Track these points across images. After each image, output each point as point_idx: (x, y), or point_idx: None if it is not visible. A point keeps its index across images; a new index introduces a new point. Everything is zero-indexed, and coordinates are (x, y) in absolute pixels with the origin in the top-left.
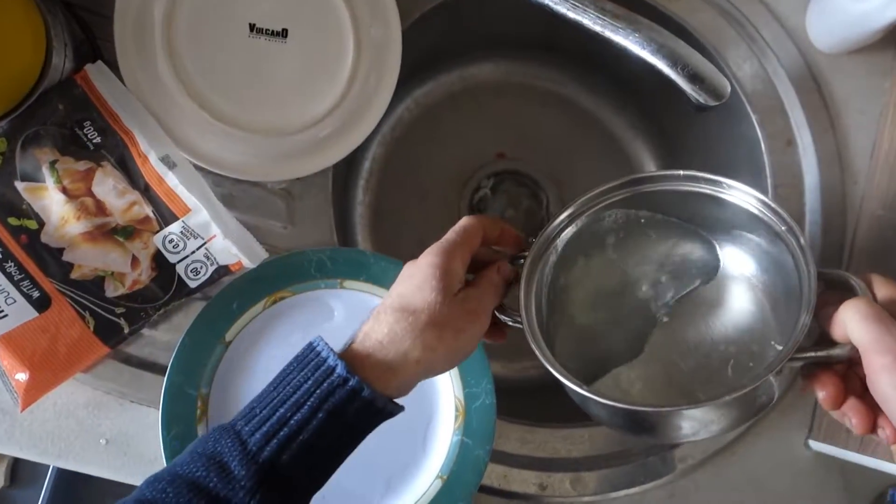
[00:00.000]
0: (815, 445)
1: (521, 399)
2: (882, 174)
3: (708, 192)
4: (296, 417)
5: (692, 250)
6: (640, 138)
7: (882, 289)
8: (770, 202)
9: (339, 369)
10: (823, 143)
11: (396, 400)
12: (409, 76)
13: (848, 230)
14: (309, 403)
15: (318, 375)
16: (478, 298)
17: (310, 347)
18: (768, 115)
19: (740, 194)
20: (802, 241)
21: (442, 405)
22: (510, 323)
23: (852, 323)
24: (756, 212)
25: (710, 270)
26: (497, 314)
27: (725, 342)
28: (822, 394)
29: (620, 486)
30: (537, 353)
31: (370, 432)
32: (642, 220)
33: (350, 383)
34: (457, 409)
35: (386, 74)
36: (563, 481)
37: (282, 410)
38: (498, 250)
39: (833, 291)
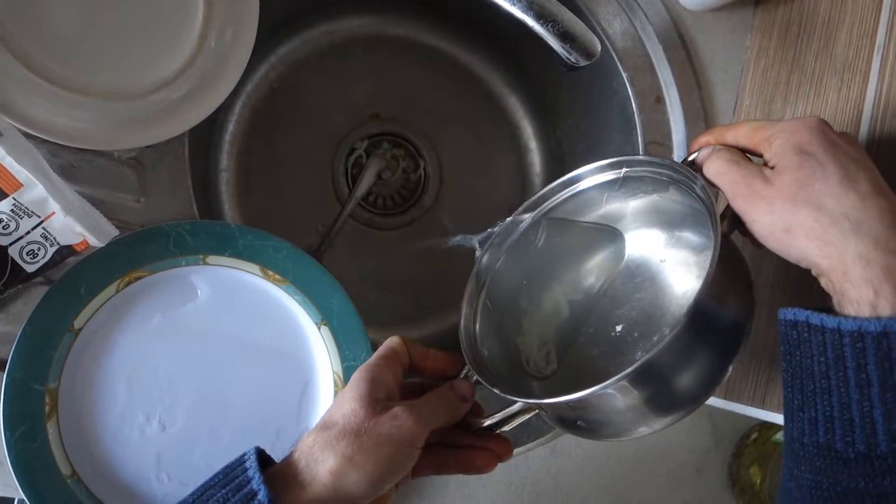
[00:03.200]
0: None
1: None
2: None
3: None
4: None
5: (599, 245)
6: (516, 95)
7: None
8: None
9: (261, 496)
10: (689, 100)
11: None
12: (272, 32)
13: None
14: None
15: (238, 499)
16: (412, 407)
17: (240, 461)
18: (638, 73)
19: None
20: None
21: (320, 380)
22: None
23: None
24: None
25: (618, 258)
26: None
27: (631, 324)
28: None
29: None
30: (498, 391)
31: None
32: (545, 228)
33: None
34: (336, 385)
35: (243, 29)
36: None
37: None
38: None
39: None
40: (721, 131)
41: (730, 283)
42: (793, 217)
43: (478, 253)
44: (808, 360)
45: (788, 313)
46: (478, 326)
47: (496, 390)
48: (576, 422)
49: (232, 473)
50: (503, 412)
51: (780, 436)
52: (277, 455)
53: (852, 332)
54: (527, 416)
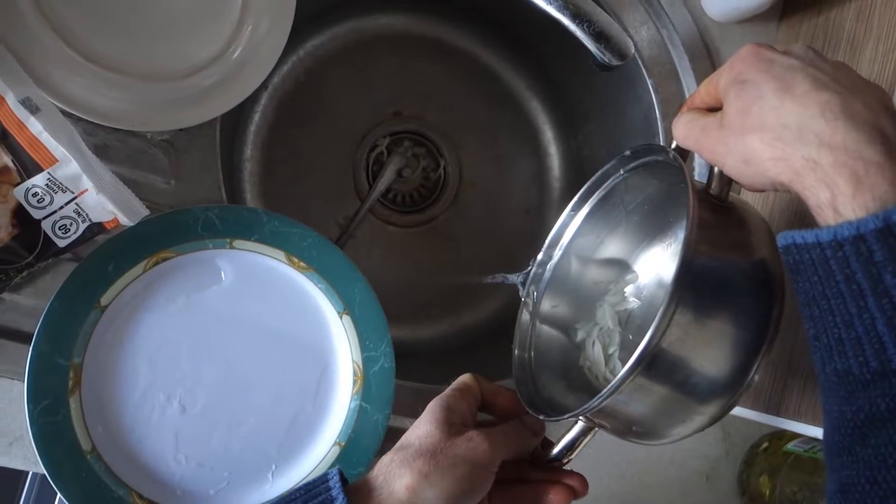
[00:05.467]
0: None
1: (419, 362)
2: None
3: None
4: None
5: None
6: (538, 99)
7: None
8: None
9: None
10: None
11: None
12: (301, 27)
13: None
14: None
15: None
16: (487, 431)
17: (323, 479)
18: (663, 81)
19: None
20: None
21: (340, 370)
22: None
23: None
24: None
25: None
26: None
27: None
28: None
29: None
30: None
31: None
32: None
33: None
34: (355, 374)
35: (279, 19)
36: None
37: None
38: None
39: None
40: (690, 100)
41: (734, 246)
42: (744, 147)
43: (522, 293)
44: (806, 283)
45: (781, 238)
46: (533, 365)
47: (541, 417)
48: (631, 428)
49: (315, 490)
50: (564, 439)
51: (790, 445)
52: (292, 440)
53: (830, 242)
54: (588, 437)
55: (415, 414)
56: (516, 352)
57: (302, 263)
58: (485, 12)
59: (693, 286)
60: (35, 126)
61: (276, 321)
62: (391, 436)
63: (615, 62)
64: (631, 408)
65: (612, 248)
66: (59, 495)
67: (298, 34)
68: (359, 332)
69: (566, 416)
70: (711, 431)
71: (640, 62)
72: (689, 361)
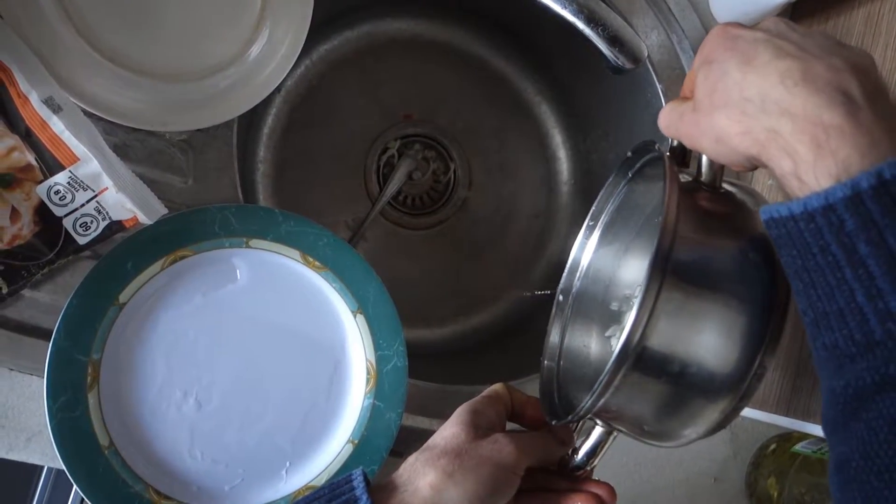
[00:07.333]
0: None
1: (429, 362)
2: None
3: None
4: None
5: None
6: (547, 104)
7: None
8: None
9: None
10: None
11: None
12: (314, 31)
13: None
14: None
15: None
16: (512, 435)
17: (347, 479)
18: (673, 86)
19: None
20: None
21: (353, 369)
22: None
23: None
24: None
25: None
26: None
27: None
28: None
29: None
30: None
31: None
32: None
33: None
34: (368, 373)
35: (296, 22)
36: None
37: None
38: None
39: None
40: (681, 91)
41: (724, 231)
42: (715, 125)
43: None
44: (788, 257)
45: (762, 213)
46: (562, 377)
47: (554, 422)
48: (643, 428)
49: (339, 490)
50: (585, 446)
51: (798, 447)
52: (306, 437)
53: (801, 214)
54: (609, 442)
55: (424, 412)
56: (545, 363)
57: (317, 263)
58: (495, 18)
59: (679, 273)
60: (57, 125)
61: (290, 319)
62: (403, 435)
63: (629, 66)
64: (634, 406)
65: (637, 252)
66: (73, 491)
67: (311, 38)
68: (372, 330)
69: (569, 417)
70: (719, 433)
71: (649, 67)
72: (681, 352)
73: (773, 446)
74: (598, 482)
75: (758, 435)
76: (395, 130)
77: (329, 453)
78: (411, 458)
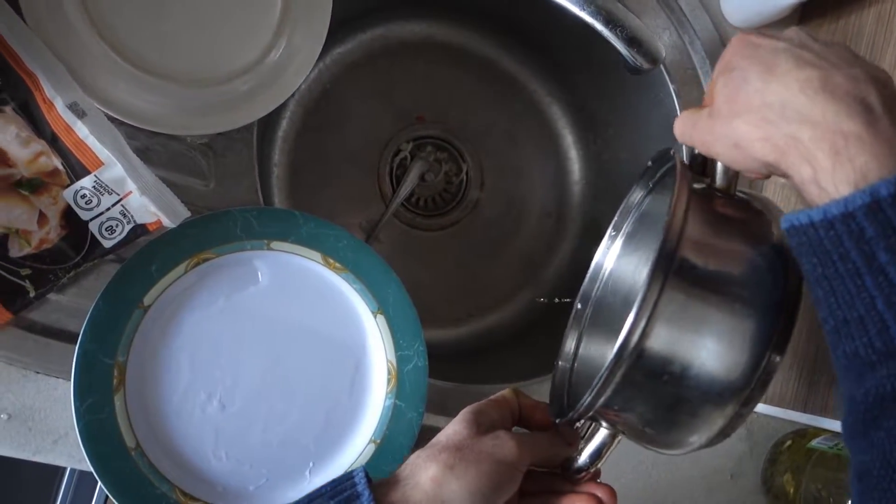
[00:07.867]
0: None
1: (442, 361)
2: None
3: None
4: None
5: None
6: (558, 104)
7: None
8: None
9: (365, 498)
10: None
11: None
12: (328, 33)
13: None
14: None
15: (342, 499)
16: (515, 433)
17: (348, 476)
18: (684, 86)
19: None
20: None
21: (374, 369)
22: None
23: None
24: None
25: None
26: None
27: None
28: None
29: None
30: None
31: None
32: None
33: None
34: (389, 373)
35: (315, 26)
36: None
37: None
38: None
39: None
40: (703, 103)
41: (732, 235)
42: (732, 131)
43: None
44: (808, 265)
45: (783, 222)
46: (575, 379)
47: (557, 421)
48: (646, 431)
49: (340, 486)
50: (589, 448)
51: (814, 443)
52: (329, 438)
53: (821, 221)
54: (614, 445)
55: (442, 411)
56: (559, 363)
57: (337, 264)
58: (507, 20)
59: (683, 274)
60: (82, 130)
61: (311, 321)
62: (423, 434)
63: (646, 66)
64: (636, 407)
65: None
66: (97, 492)
67: (325, 41)
68: (393, 331)
69: (570, 414)
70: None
71: (662, 67)
72: (683, 354)
73: (788, 442)
74: (598, 484)
75: (772, 431)
76: (407, 132)
77: (352, 453)
78: (414, 455)
